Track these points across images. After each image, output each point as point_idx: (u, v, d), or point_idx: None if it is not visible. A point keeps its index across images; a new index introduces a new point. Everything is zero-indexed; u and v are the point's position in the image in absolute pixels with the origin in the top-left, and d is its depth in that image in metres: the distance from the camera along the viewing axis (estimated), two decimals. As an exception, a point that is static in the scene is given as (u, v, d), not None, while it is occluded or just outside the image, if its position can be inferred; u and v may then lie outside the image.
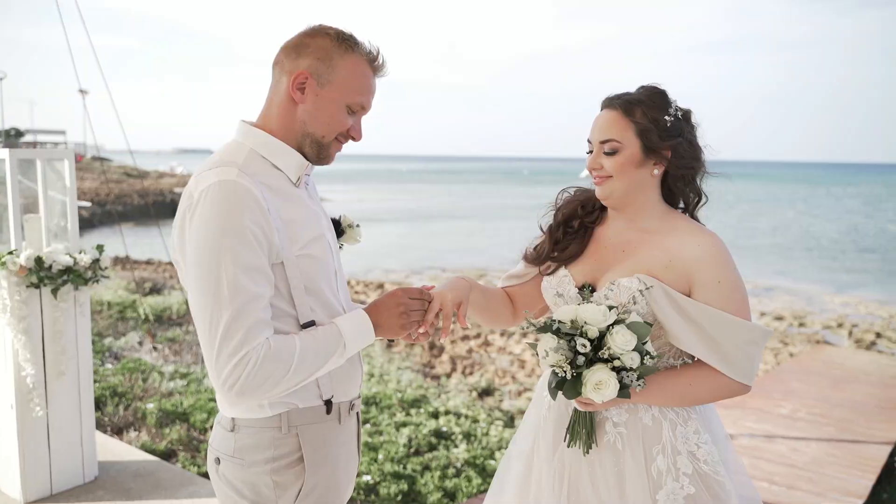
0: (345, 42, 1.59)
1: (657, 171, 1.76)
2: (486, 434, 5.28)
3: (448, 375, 8.05)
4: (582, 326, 1.58)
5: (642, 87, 1.78)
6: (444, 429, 5.27)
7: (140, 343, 7.33)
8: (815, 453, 4.94)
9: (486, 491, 4.27)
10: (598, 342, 1.58)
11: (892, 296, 16.69)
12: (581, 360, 1.55)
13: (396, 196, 53.54)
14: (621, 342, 1.54)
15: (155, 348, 7.12)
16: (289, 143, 1.61)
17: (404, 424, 5.30)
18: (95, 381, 5.67)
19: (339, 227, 1.94)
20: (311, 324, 1.58)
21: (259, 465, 1.57)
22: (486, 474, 4.57)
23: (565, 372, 1.56)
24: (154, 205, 26.20)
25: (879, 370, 7.69)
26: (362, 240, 2.00)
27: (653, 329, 1.68)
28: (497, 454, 4.85)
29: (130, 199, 31.39)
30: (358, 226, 1.98)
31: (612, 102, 1.78)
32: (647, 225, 1.80)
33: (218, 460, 1.63)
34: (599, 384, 1.54)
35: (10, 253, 3.36)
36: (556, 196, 1.97)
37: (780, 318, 13.39)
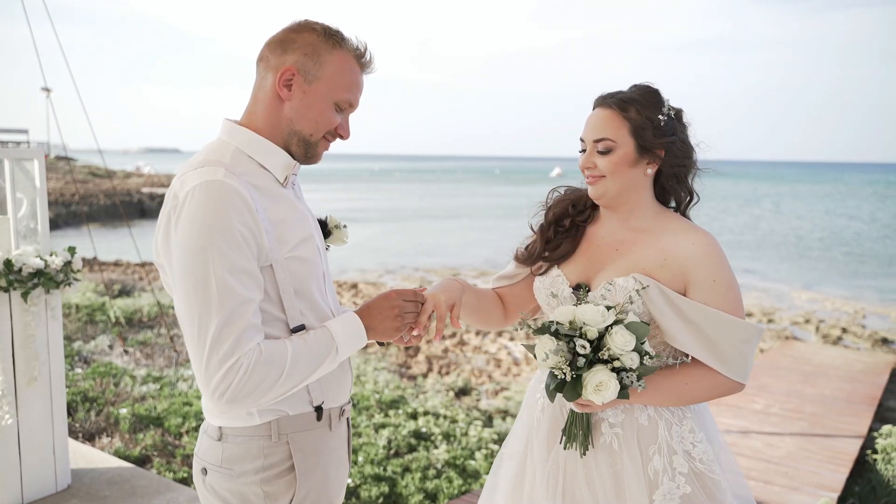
0: (332, 37, 1.55)
1: (650, 171, 1.76)
2: (466, 434, 5.27)
3: (424, 375, 8.03)
4: (581, 327, 1.57)
5: (635, 85, 1.77)
6: (424, 429, 5.25)
7: (110, 346, 7.17)
8: (789, 448, 5.02)
9: (467, 492, 4.27)
10: (598, 343, 1.57)
11: (857, 292, 17.08)
12: (581, 361, 1.54)
13: (368, 195, 53.34)
14: (621, 343, 1.53)
15: (126, 352, 6.98)
16: (275, 142, 1.57)
17: (383, 426, 5.26)
18: (66, 386, 5.53)
19: (325, 228, 1.90)
20: (301, 328, 1.54)
21: (249, 475, 1.53)
22: (467, 475, 4.56)
23: (565, 374, 1.55)
24: (121, 205, 25.77)
25: (846, 365, 7.86)
26: (349, 241, 1.96)
27: (649, 329, 1.67)
28: (477, 454, 4.84)
29: (96, 200, 30.78)
30: (345, 226, 1.94)
31: (605, 101, 1.76)
32: (641, 224, 1.79)
33: (205, 471, 1.58)
34: (600, 385, 1.53)
35: (-22, 256, 3.25)
36: (547, 195, 1.96)
37: (749, 315, 13.62)
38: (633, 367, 1.55)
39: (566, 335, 1.56)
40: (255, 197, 1.46)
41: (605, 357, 1.55)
